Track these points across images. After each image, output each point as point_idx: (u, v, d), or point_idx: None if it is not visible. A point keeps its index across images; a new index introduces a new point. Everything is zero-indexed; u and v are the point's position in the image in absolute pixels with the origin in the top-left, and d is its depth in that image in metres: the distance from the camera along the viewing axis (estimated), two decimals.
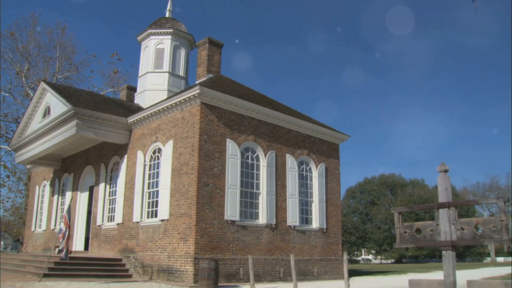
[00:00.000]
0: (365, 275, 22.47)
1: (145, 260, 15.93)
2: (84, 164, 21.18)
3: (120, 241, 17.58)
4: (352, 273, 23.00)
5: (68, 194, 21.88)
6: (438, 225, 6.99)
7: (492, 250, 64.82)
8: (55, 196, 23.23)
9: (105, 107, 18.46)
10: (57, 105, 18.15)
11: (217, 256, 14.43)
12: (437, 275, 19.16)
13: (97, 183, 19.87)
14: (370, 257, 73.11)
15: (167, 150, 16.10)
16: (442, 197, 7.06)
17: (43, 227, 23.85)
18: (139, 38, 21.92)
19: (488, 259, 64.54)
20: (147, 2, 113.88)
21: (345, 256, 11.63)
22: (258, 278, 15.14)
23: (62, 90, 18.98)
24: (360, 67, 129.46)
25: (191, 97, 15.27)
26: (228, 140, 15.72)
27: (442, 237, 6.88)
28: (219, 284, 13.21)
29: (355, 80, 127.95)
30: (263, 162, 16.82)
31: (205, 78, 18.81)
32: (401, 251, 59.00)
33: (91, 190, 20.74)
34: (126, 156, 18.42)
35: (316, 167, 18.96)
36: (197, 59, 19.93)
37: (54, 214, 22.83)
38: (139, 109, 19.36)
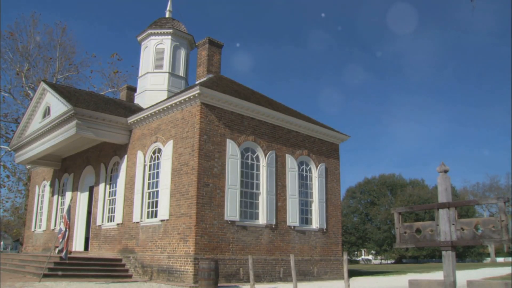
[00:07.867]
0: (365, 275, 22.46)
1: (145, 260, 15.93)
2: (84, 164, 21.19)
3: (120, 241, 17.58)
4: (352, 273, 23.00)
5: (68, 194, 21.88)
6: (438, 225, 6.99)
7: (492, 250, 64.80)
8: (55, 196, 23.22)
9: (105, 107, 18.46)
10: (57, 105, 18.16)
11: (217, 256, 14.43)
12: (437, 275, 19.16)
13: (97, 183, 19.86)
14: (370, 257, 73.10)
15: (167, 150, 16.10)
16: (442, 197, 7.06)
17: (43, 227, 23.85)
18: (139, 38, 21.93)
19: (488, 259, 64.52)
20: (147, 2, 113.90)
21: (345, 256, 11.62)
22: (258, 279, 15.14)
23: (62, 90, 18.98)
24: (361, 67, 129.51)
25: (191, 97, 15.27)
26: (228, 140, 15.72)
27: (442, 237, 6.89)
28: (219, 284, 13.21)
29: (355, 80, 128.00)
30: (263, 162, 16.82)
31: (205, 78, 18.80)
32: (401, 251, 58.98)
33: (91, 190, 20.74)
34: (126, 156, 18.42)
35: (316, 167, 18.95)
36: (197, 59, 19.94)
37: (54, 214, 22.82)
38: (139, 109, 19.37)
